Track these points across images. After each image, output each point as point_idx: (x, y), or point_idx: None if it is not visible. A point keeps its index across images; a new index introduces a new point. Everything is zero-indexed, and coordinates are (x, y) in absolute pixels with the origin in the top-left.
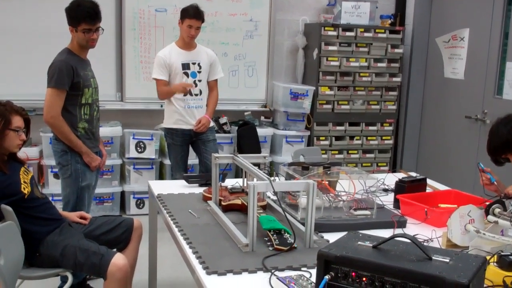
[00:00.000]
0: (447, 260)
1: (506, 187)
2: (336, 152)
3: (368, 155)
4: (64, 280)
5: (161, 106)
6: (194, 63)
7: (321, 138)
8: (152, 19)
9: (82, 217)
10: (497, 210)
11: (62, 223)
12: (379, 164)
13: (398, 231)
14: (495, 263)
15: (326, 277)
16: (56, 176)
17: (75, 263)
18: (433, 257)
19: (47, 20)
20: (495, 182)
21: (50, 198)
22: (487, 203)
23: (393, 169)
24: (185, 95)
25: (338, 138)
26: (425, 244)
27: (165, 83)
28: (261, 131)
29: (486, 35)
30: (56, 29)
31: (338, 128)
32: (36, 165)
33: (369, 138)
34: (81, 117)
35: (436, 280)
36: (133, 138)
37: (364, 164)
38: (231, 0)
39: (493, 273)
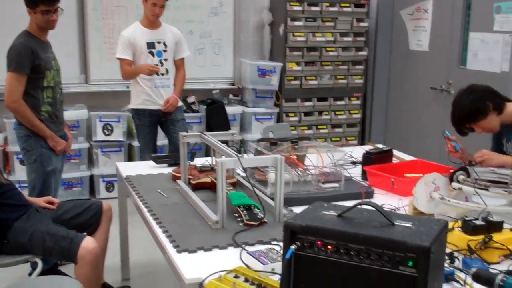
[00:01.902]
0: (410, 225)
1: (471, 154)
2: (306, 128)
3: (337, 130)
4: (34, 266)
5: (127, 87)
6: (159, 42)
7: (290, 114)
8: None
9: (49, 202)
10: (461, 177)
11: (29, 209)
12: (348, 138)
13: (367, 200)
14: (459, 228)
15: (292, 247)
16: (22, 162)
17: (44, 249)
18: (395, 223)
19: (4, 2)
20: (459, 150)
21: (17, 185)
22: (452, 170)
23: (362, 142)
24: (151, 74)
25: (307, 114)
26: (395, 212)
27: (129, 62)
28: (230, 109)
29: (449, 7)
30: (14, 11)
31: (307, 103)
32: (1, 151)
33: (337, 112)
34: (43, 101)
35: (399, 244)
36: (100, 120)
37: (333, 139)
38: None
39: (458, 238)
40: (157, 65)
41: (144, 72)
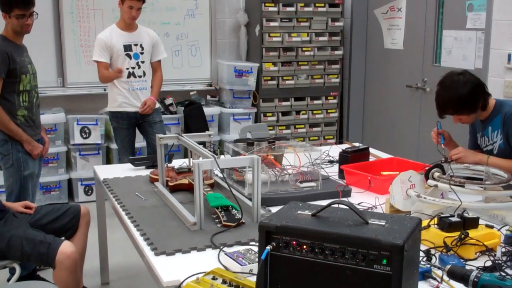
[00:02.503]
0: (383, 223)
1: (457, 146)
2: (284, 127)
3: (315, 129)
4: (12, 272)
5: (105, 89)
6: (136, 45)
7: (268, 114)
8: (90, 2)
9: (26, 207)
10: (436, 174)
11: (6, 214)
12: (326, 137)
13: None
14: (435, 225)
15: (268, 247)
16: None
17: (22, 254)
18: (369, 221)
19: None
20: (442, 145)
21: None
22: (427, 168)
23: (340, 141)
24: (128, 77)
25: (284, 113)
26: (368, 210)
27: (106, 65)
28: (208, 110)
29: (422, 5)
30: None
31: (284, 103)
32: None
33: (314, 112)
34: (20, 105)
35: (373, 242)
36: (77, 123)
37: (311, 138)
38: None
39: (434, 234)
40: (134, 67)
41: (113, 76)
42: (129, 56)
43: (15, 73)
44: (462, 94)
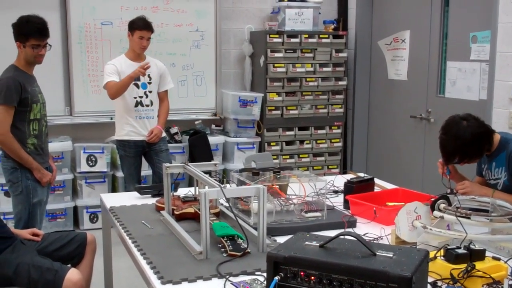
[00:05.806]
0: (391, 255)
1: (463, 176)
2: (288, 156)
3: (318, 158)
4: None
5: (111, 118)
6: (144, 75)
7: (272, 143)
8: (98, 33)
9: (34, 234)
10: (442, 206)
11: (14, 241)
12: (329, 167)
13: (349, 231)
14: (442, 257)
15: (276, 278)
16: (7, 194)
17: (29, 281)
18: (377, 253)
19: None
20: (447, 176)
21: (2, 217)
22: (433, 199)
23: (344, 171)
24: (136, 106)
25: (288, 143)
26: (375, 242)
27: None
28: (213, 139)
29: (426, 36)
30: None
31: (288, 133)
32: None
33: (318, 141)
34: (30, 133)
35: (381, 274)
36: (84, 152)
37: (315, 168)
38: (176, 11)
39: (441, 266)
40: (141, 97)
41: (135, 74)
42: (137, 85)
43: (26, 102)
44: (467, 145)
